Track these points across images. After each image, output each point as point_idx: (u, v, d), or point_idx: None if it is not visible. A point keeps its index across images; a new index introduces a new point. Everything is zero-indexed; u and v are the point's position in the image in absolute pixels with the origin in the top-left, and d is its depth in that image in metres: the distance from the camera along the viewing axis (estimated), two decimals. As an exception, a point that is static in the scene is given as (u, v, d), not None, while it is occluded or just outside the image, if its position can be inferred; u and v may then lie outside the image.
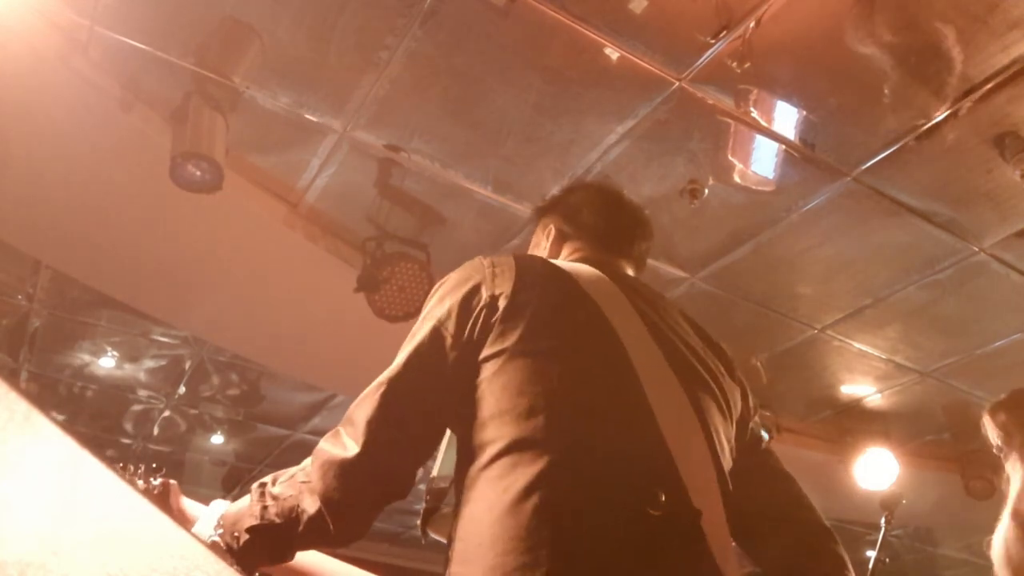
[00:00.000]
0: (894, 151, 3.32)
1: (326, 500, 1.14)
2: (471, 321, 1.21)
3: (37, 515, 0.73)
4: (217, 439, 6.27)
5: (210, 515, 1.25)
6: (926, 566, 7.61)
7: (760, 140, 3.35)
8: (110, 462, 1.30)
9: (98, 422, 6.06)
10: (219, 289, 4.15)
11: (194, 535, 1.21)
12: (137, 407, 5.83)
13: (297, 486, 1.17)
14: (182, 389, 5.54)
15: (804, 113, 3.24)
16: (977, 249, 3.83)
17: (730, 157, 3.38)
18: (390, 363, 1.27)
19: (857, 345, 4.65)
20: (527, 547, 1.03)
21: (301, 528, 1.15)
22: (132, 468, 1.38)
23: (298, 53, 3.10)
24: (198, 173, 3.07)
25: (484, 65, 3.11)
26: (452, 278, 1.29)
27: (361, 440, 1.15)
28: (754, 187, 3.53)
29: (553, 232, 1.58)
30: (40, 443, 0.75)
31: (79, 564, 0.74)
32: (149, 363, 5.30)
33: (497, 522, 1.06)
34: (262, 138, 3.54)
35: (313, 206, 3.90)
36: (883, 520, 3.05)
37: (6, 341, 5.06)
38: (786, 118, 3.26)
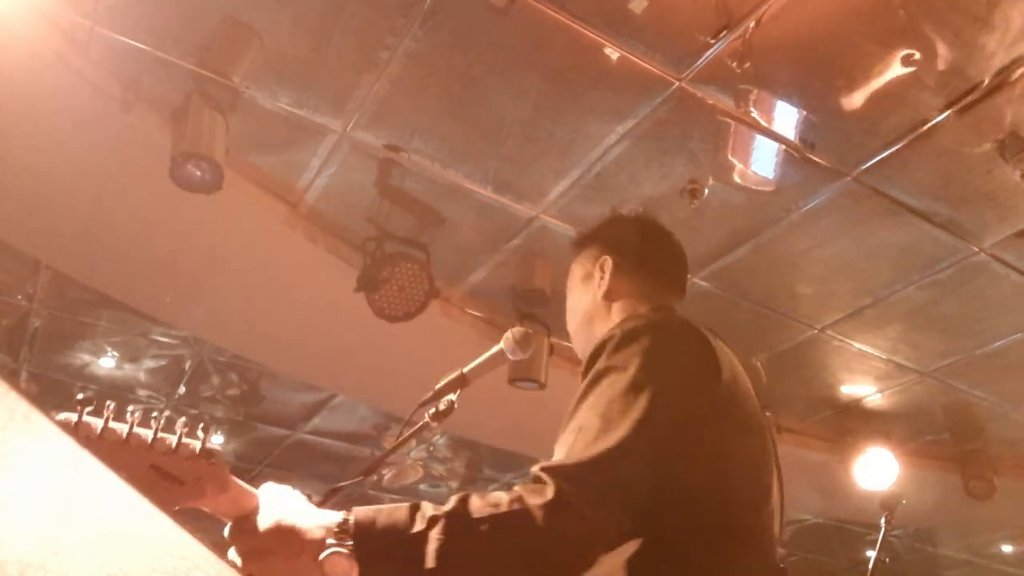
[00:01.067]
0: (894, 151, 3.32)
1: (559, 555, 1.09)
2: (699, 397, 1.24)
3: (37, 515, 0.74)
4: (217, 439, 6.27)
5: (304, 511, 1.11)
6: (926, 566, 7.61)
7: (760, 140, 3.35)
8: (145, 412, 1.03)
9: (98, 422, 6.05)
10: (219, 289, 4.15)
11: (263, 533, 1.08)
12: (137, 407, 5.83)
13: (520, 541, 1.08)
14: (182, 389, 5.54)
15: (804, 113, 3.23)
16: (977, 249, 3.83)
17: (730, 157, 3.38)
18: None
19: (857, 345, 4.65)
20: None
21: None
22: (179, 424, 1.10)
23: (298, 53, 3.10)
24: (198, 173, 3.07)
25: (484, 65, 3.11)
26: (666, 342, 1.27)
27: (602, 509, 1.11)
28: (754, 187, 3.52)
29: (610, 265, 1.58)
30: (40, 443, 0.75)
31: (79, 564, 0.74)
32: (149, 363, 5.30)
33: None
34: (262, 138, 3.54)
35: (313, 206, 3.90)
36: (883, 520, 3.06)
37: (6, 341, 5.06)
38: (786, 118, 3.26)
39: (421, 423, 1.58)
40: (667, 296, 1.58)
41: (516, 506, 1.08)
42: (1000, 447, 5.47)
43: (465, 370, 1.61)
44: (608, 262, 1.58)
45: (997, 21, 2.77)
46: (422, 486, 6.66)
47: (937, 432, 5.45)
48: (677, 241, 1.67)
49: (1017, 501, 5.62)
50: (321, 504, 1.23)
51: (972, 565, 7.47)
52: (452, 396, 1.57)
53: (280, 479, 1.20)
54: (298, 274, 4.10)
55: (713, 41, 2.92)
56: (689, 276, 1.67)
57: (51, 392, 5.57)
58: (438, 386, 1.59)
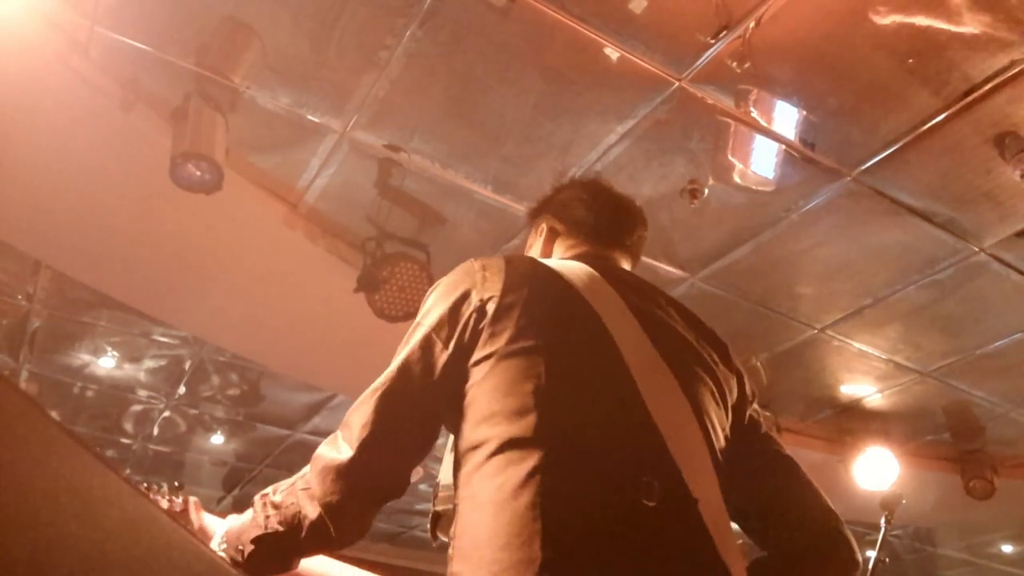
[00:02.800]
0: (894, 151, 3.32)
1: (325, 504, 1.16)
2: (460, 327, 1.23)
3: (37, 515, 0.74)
4: (217, 439, 6.27)
5: (220, 531, 1.28)
6: (926, 566, 7.61)
7: (760, 140, 3.35)
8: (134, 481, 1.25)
9: (98, 422, 6.06)
10: (219, 289, 4.15)
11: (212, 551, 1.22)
12: (137, 407, 5.83)
13: (297, 493, 1.20)
14: (182, 389, 5.53)
15: (804, 113, 3.23)
16: (977, 249, 3.83)
17: (730, 157, 3.37)
18: (389, 363, 1.29)
19: (857, 345, 4.65)
20: (523, 542, 1.04)
21: (304, 534, 1.18)
22: (156, 487, 1.43)
23: (298, 53, 3.10)
24: (198, 173, 3.07)
25: (484, 65, 3.11)
26: (444, 283, 1.31)
27: (355, 444, 1.19)
28: (754, 187, 3.52)
29: (544, 231, 1.59)
30: (52, 454, 0.75)
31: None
32: (149, 363, 5.30)
33: (493, 518, 1.08)
34: (262, 138, 3.54)
35: (313, 206, 3.90)
36: (883, 520, 3.05)
37: (6, 341, 5.06)
38: (786, 118, 3.26)
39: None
40: (600, 248, 1.53)
41: (310, 467, 1.22)
42: (1000, 447, 5.47)
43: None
44: (543, 227, 1.60)
45: (997, 21, 2.77)
46: (422, 486, 6.65)
47: (937, 432, 5.45)
48: (619, 194, 1.63)
49: (1017, 501, 5.62)
50: None
51: (972, 565, 7.47)
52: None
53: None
54: (298, 274, 4.10)
55: (713, 41, 2.92)
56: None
57: (51, 392, 5.57)
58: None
